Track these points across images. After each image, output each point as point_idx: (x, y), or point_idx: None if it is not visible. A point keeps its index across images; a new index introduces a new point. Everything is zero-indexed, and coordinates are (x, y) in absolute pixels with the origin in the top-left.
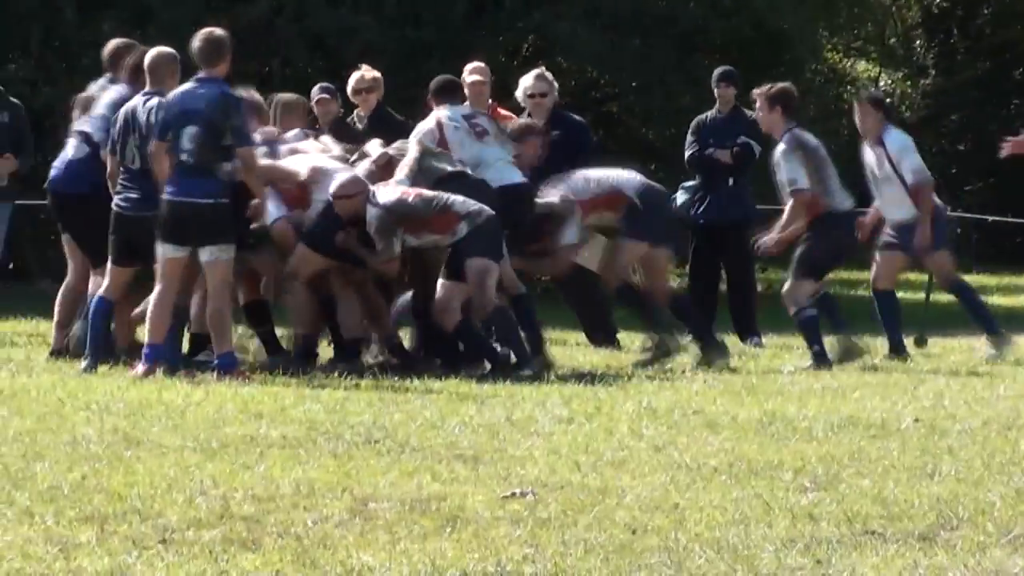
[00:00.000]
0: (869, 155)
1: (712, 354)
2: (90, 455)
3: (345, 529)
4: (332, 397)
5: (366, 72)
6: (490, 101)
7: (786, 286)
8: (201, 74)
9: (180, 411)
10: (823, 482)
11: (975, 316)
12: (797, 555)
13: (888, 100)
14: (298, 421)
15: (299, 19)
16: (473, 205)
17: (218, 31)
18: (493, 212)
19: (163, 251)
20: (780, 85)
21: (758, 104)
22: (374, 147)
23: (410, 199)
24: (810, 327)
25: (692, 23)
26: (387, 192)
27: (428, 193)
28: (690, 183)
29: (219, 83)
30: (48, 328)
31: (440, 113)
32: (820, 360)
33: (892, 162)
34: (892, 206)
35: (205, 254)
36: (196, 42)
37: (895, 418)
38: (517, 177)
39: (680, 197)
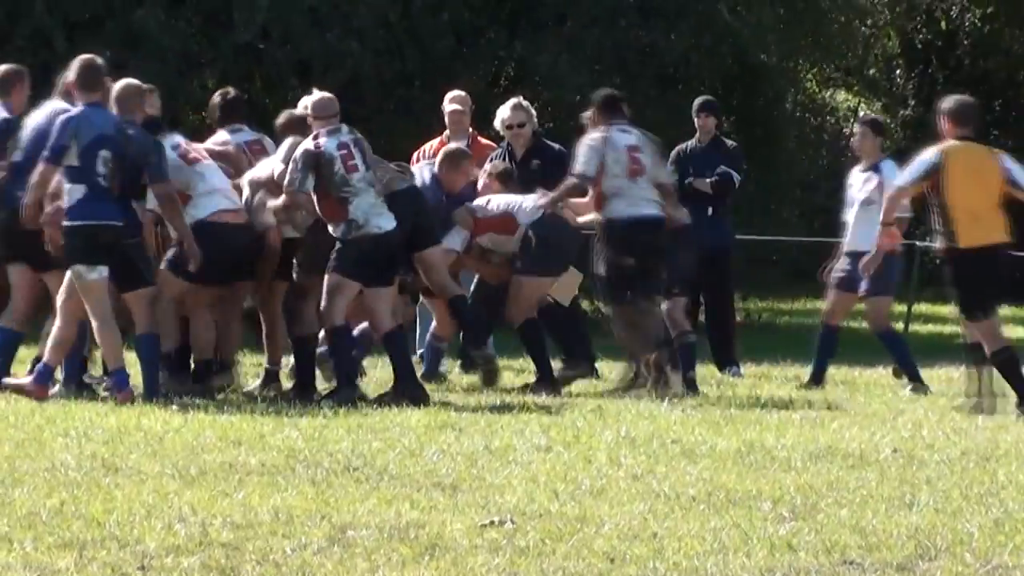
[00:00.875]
0: (856, 177)
1: (572, 371)
2: (69, 481)
3: (324, 557)
4: (311, 425)
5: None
6: (470, 130)
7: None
8: (86, 99)
9: (159, 438)
10: (801, 512)
11: (902, 361)
12: None
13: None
14: (277, 448)
15: (286, 43)
16: None
17: (96, 58)
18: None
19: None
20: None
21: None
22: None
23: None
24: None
25: (674, 57)
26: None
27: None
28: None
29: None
30: (27, 353)
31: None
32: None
33: (882, 190)
34: (863, 234)
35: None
36: (76, 68)
37: (873, 448)
38: None
39: None
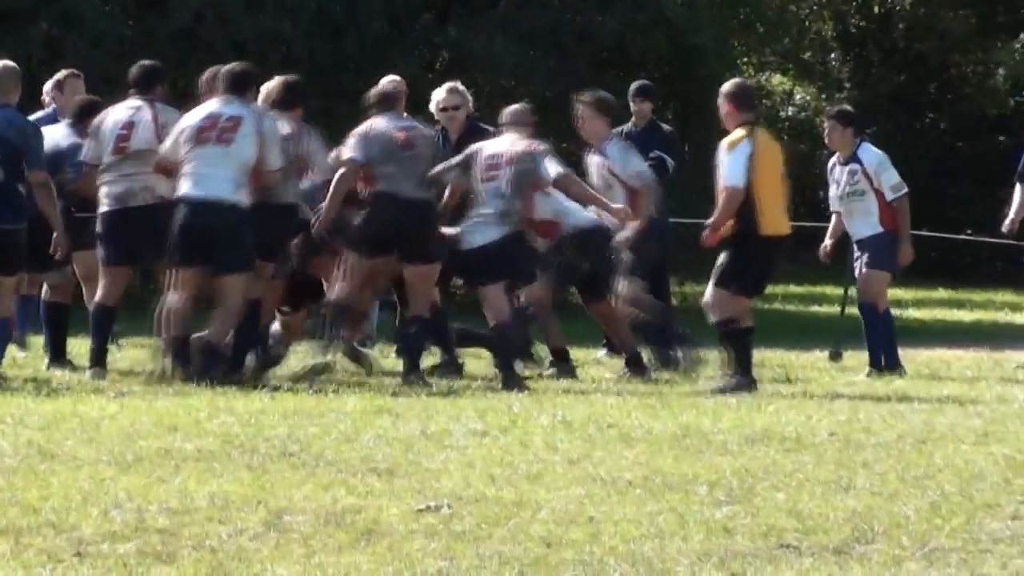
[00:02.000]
0: (839, 172)
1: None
2: (4, 468)
3: (260, 542)
4: (247, 410)
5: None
6: (404, 114)
7: None
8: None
9: (95, 424)
10: (738, 496)
11: (873, 344)
12: (712, 569)
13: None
14: (213, 434)
15: (221, 24)
16: None
17: (10, 63)
18: None
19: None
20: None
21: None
22: None
23: None
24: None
25: (609, 39)
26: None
27: None
28: None
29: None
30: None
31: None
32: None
33: (869, 177)
34: (862, 222)
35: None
36: None
37: (810, 432)
38: None
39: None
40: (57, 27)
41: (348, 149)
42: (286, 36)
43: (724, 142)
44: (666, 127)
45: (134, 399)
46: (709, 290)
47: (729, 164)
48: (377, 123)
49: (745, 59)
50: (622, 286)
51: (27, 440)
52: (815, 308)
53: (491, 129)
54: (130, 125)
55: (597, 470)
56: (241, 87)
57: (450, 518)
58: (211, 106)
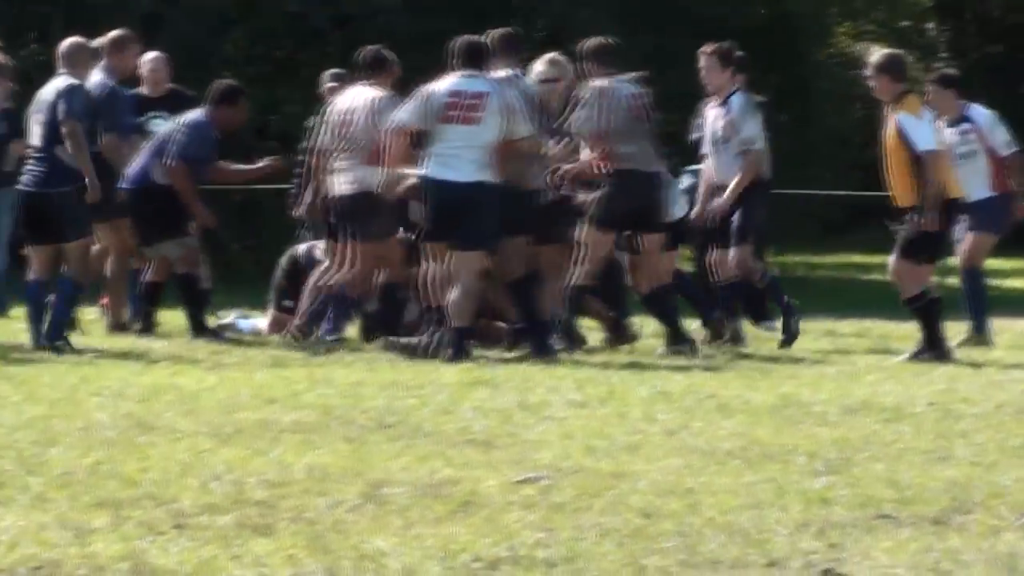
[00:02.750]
0: (949, 134)
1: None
2: (104, 440)
3: (358, 514)
4: (345, 382)
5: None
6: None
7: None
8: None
9: (194, 396)
10: (836, 466)
11: (977, 310)
12: (810, 539)
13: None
14: (311, 406)
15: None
16: None
17: (79, 39)
18: None
19: None
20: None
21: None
22: None
23: None
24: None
25: (707, 10)
26: None
27: None
28: (695, 167)
29: None
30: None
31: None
32: None
33: (982, 136)
34: (974, 184)
35: None
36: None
37: (909, 402)
38: None
39: (686, 180)
40: (155, 1)
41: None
42: (387, 7)
43: (901, 111)
44: (758, 98)
45: (232, 371)
46: (894, 262)
47: (920, 130)
48: (608, 87)
49: (842, 29)
50: (733, 251)
51: (126, 412)
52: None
53: None
54: (354, 111)
55: (695, 441)
56: (479, 60)
57: (548, 489)
58: (453, 82)
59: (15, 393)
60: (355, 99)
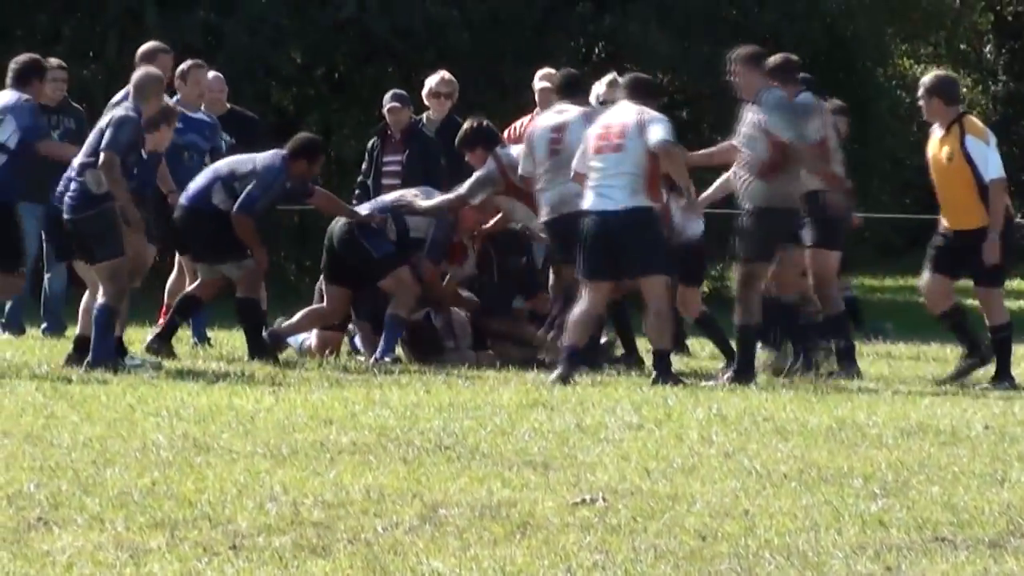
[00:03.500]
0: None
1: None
2: (160, 461)
3: (415, 535)
4: (402, 403)
5: (446, 75)
6: None
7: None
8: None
9: (250, 417)
10: (893, 489)
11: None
12: (867, 562)
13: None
14: (368, 427)
15: (384, 12)
16: None
17: (154, 71)
18: None
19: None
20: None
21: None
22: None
23: None
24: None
25: (764, 29)
26: None
27: None
28: None
29: None
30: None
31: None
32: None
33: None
34: None
35: None
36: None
37: (965, 425)
38: None
39: None
40: (215, 14)
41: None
42: (450, 25)
43: (972, 135)
44: None
45: (289, 392)
46: (982, 293)
47: (989, 157)
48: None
49: (900, 50)
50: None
51: (183, 433)
52: (969, 301)
53: None
54: (561, 128)
55: (752, 463)
56: (645, 92)
57: (605, 511)
58: (604, 113)
59: (72, 413)
60: (557, 120)
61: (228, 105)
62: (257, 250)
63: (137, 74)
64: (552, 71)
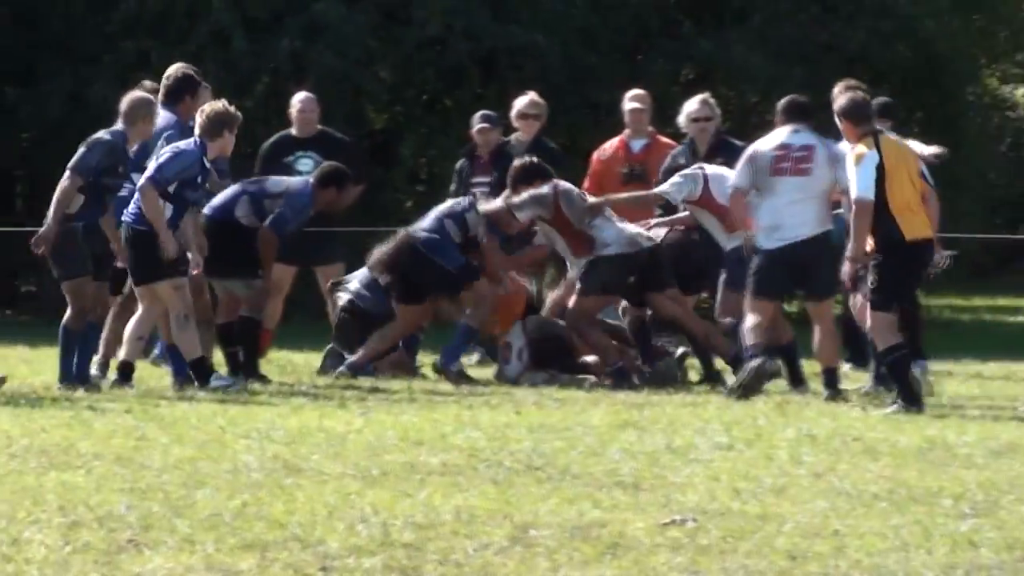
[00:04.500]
0: None
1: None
2: (251, 483)
3: (506, 556)
4: (493, 424)
5: (535, 97)
6: (650, 129)
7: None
8: None
9: (341, 438)
10: (983, 508)
11: None
12: None
13: None
14: (458, 448)
15: (469, 36)
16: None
17: (142, 95)
18: None
19: None
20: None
21: None
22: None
23: None
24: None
25: (855, 49)
26: None
27: None
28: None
29: None
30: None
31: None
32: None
33: None
34: None
35: None
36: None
37: None
38: None
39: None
40: (301, 38)
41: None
42: (537, 49)
43: (849, 156)
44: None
45: (379, 413)
46: (869, 316)
47: (857, 176)
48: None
49: (988, 70)
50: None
51: (273, 454)
52: None
53: (739, 144)
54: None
55: (842, 483)
56: (805, 115)
57: (695, 532)
58: (780, 136)
59: (163, 435)
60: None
61: (319, 127)
62: (269, 271)
63: (127, 98)
64: (643, 92)
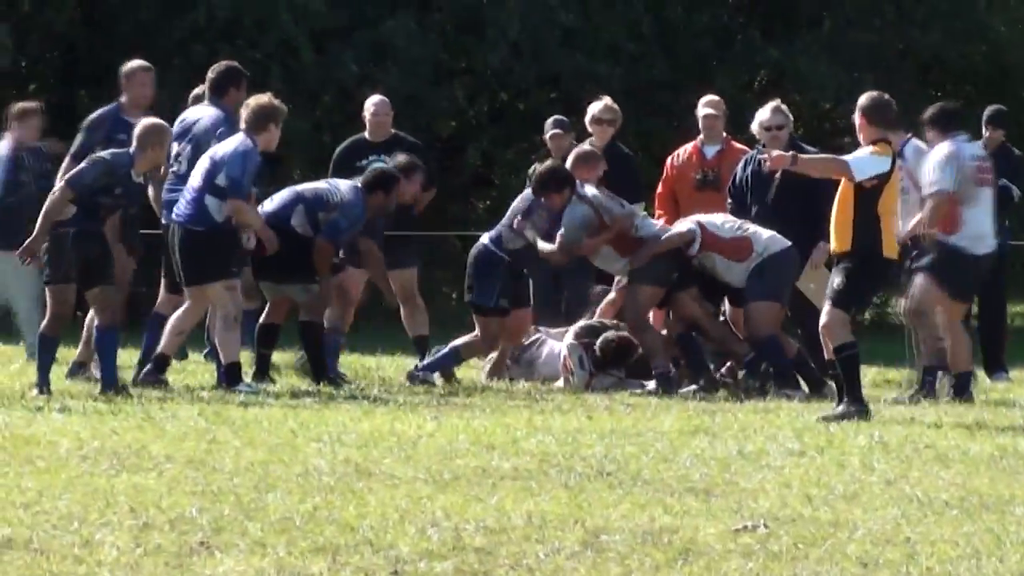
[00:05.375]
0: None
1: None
2: (322, 486)
3: (577, 561)
4: (564, 429)
5: (609, 102)
6: (724, 134)
7: None
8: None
9: (412, 442)
10: None
11: None
12: None
13: None
14: (530, 453)
15: (536, 59)
16: None
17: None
18: None
19: None
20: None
21: None
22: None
23: None
24: None
25: (929, 57)
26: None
27: None
28: None
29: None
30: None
31: None
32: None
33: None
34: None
35: None
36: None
37: None
38: None
39: None
40: (370, 53)
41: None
42: (600, 76)
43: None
44: (1017, 152)
45: (451, 417)
46: (827, 313)
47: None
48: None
49: None
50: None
51: (344, 458)
52: None
53: (812, 149)
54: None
55: (914, 490)
56: (960, 122)
57: (767, 538)
58: (969, 146)
59: (235, 438)
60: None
61: (392, 130)
62: (326, 279)
63: (141, 123)
64: (717, 98)
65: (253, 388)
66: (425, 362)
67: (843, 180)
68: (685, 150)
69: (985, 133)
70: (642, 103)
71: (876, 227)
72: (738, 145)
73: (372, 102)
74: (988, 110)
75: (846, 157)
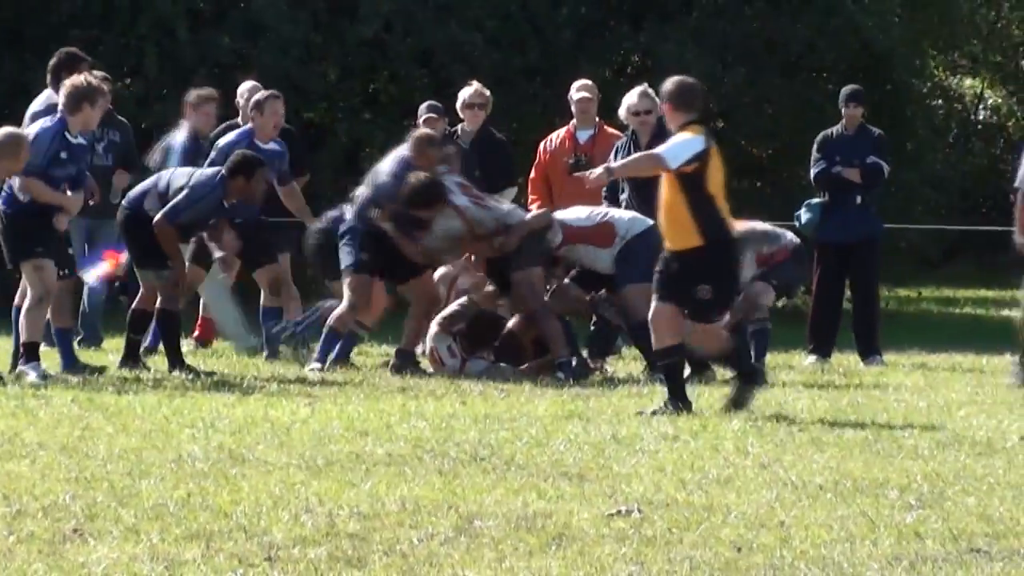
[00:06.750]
0: None
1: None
2: (196, 472)
3: (451, 547)
4: (438, 415)
5: (480, 88)
6: (597, 119)
7: None
8: None
9: (286, 429)
10: (928, 500)
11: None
12: (902, 573)
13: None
14: (404, 439)
15: (408, 35)
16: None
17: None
18: None
19: None
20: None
21: None
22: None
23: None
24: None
25: (799, 46)
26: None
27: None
28: (815, 201)
29: None
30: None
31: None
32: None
33: None
34: None
35: None
36: None
37: (1000, 436)
38: None
39: (804, 215)
40: (242, 34)
41: None
42: (474, 47)
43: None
44: (875, 130)
45: (325, 403)
46: (656, 308)
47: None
48: None
49: (935, 62)
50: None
51: (218, 444)
52: (1005, 312)
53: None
54: None
55: (788, 474)
56: None
57: (641, 522)
58: None
59: (107, 425)
60: None
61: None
62: (175, 261)
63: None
64: (589, 82)
65: (40, 373)
66: (321, 353)
67: (664, 175)
68: (558, 135)
69: (844, 111)
70: (513, 88)
71: (715, 209)
72: (611, 130)
73: (245, 88)
74: (845, 89)
75: (657, 149)
